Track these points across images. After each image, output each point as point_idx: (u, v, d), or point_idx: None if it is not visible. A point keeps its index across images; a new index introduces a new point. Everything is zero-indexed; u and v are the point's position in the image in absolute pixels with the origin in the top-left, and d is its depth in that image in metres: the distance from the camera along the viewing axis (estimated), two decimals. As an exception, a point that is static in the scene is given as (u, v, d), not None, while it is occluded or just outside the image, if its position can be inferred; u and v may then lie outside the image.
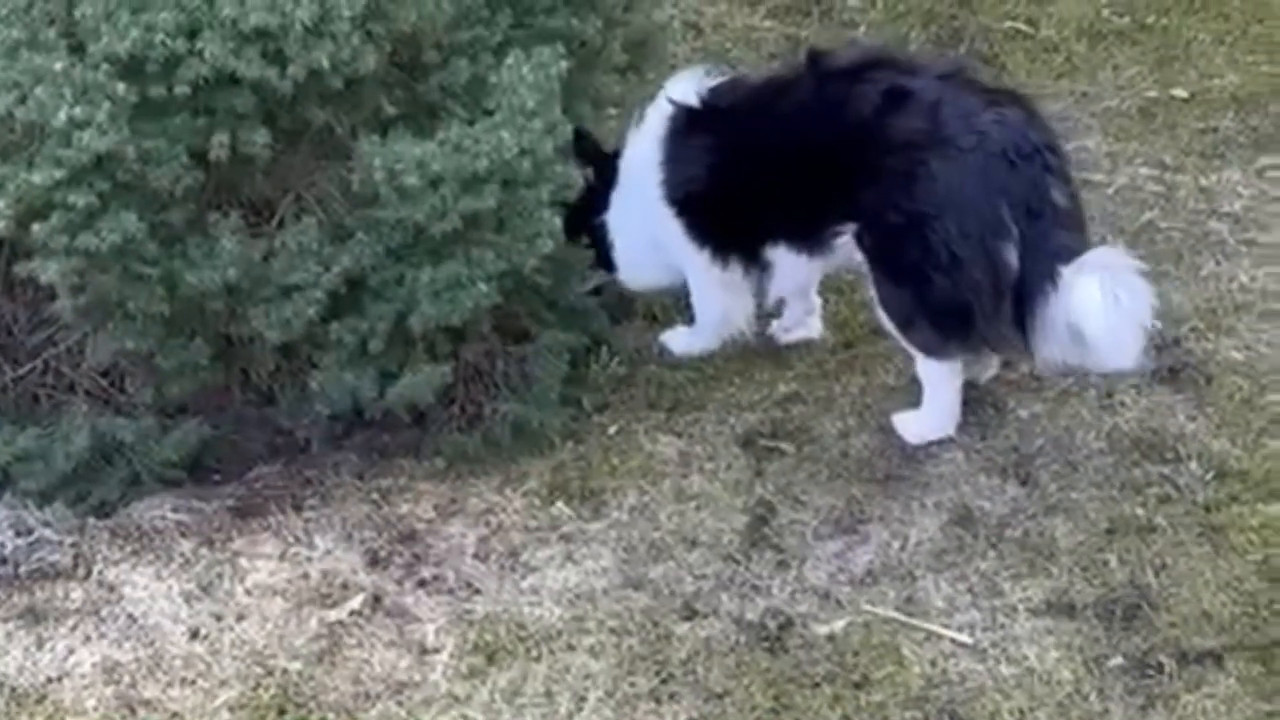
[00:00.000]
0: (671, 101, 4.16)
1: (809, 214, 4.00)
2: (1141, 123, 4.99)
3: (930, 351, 4.01)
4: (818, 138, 3.90)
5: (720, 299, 4.30)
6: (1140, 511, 3.96)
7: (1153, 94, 5.08)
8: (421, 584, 3.92)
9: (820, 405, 4.29)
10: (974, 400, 4.24)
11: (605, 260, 4.35)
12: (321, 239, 3.82)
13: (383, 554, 3.97)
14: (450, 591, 3.89)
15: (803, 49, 4.99)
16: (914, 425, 4.10)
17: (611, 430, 4.26)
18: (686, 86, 4.17)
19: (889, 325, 4.02)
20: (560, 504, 4.08)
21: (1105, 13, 5.34)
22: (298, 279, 3.79)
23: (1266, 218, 4.70)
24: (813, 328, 4.43)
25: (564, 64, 3.82)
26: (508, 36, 3.96)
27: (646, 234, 4.26)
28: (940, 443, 4.16)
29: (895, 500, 4.04)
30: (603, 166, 4.25)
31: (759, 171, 4.00)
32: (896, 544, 3.95)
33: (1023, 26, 5.31)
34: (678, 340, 4.45)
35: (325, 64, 3.54)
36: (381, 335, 3.88)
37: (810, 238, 4.04)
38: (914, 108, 3.83)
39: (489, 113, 3.77)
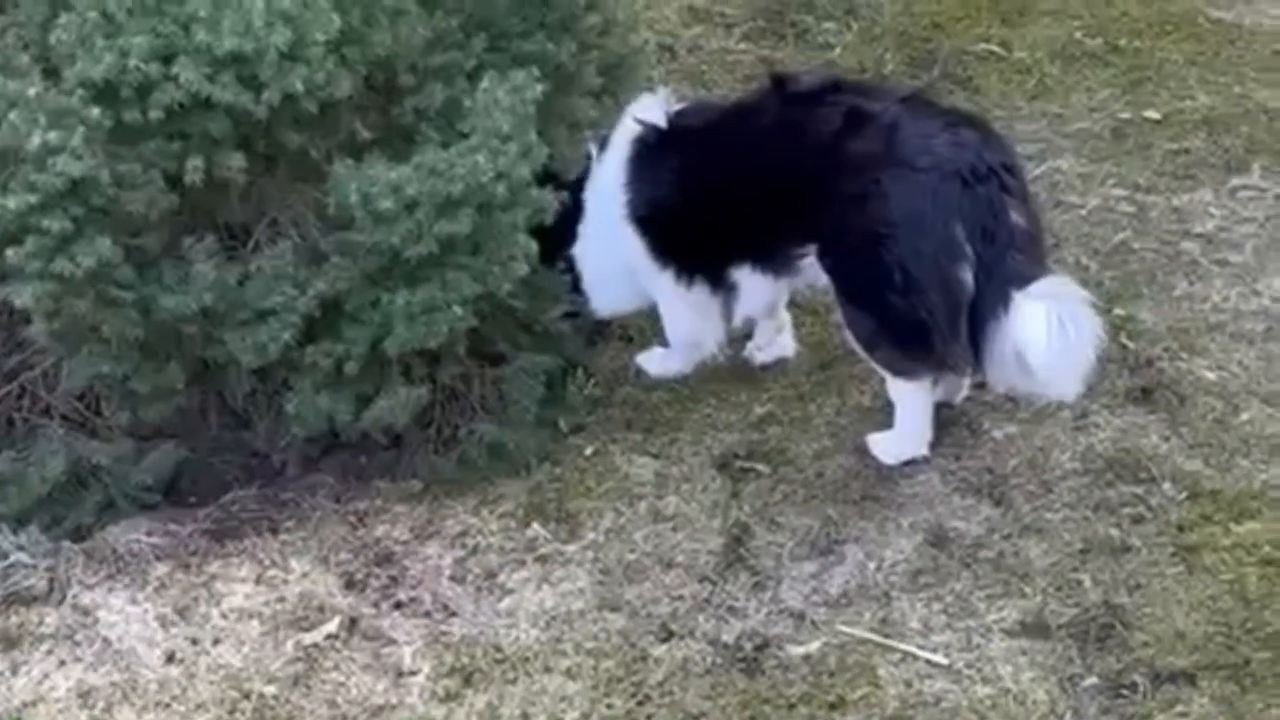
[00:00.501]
0: (639, 121, 4.20)
1: (772, 235, 4.03)
2: (1114, 144, 5.01)
3: (896, 371, 4.04)
4: (780, 159, 3.95)
5: (689, 320, 4.32)
6: (1114, 532, 3.98)
7: (1125, 115, 5.10)
8: (398, 606, 3.92)
9: (796, 426, 4.30)
10: (948, 421, 4.26)
11: (577, 288, 4.38)
12: (297, 263, 3.82)
13: (359, 576, 3.97)
14: (427, 614, 3.89)
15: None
16: (887, 445, 4.14)
17: (588, 451, 4.27)
18: (652, 109, 4.21)
19: (855, 345, 4.07)
20: (537, 525, 4.08)
21: (1078, 35, 5.36)
22: (273, 303, 3.79)
23: (1238, 238, 4.72)
24: (786, 346, 4.45)
25: (539, 88, 3.83)
26: (482, 61, 3.97)
27: (614, 260, 4.27)
28: (915, 463, 4.17)
29: (870, 521, 4.05)
30: (568, 196, 4.21)
31: (724, 193, 4.04)
32: (872, 565, 3.96)
33: (996, 49, 5.33)
34: (653, 362, 4.46)
35: (300, 89, 3.55)
36: (357, 358, 3.88)
37: (775, 258, 4.08)
38: (871, 130, 3.87)
39: (464, 136, 3.78)
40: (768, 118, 4.04)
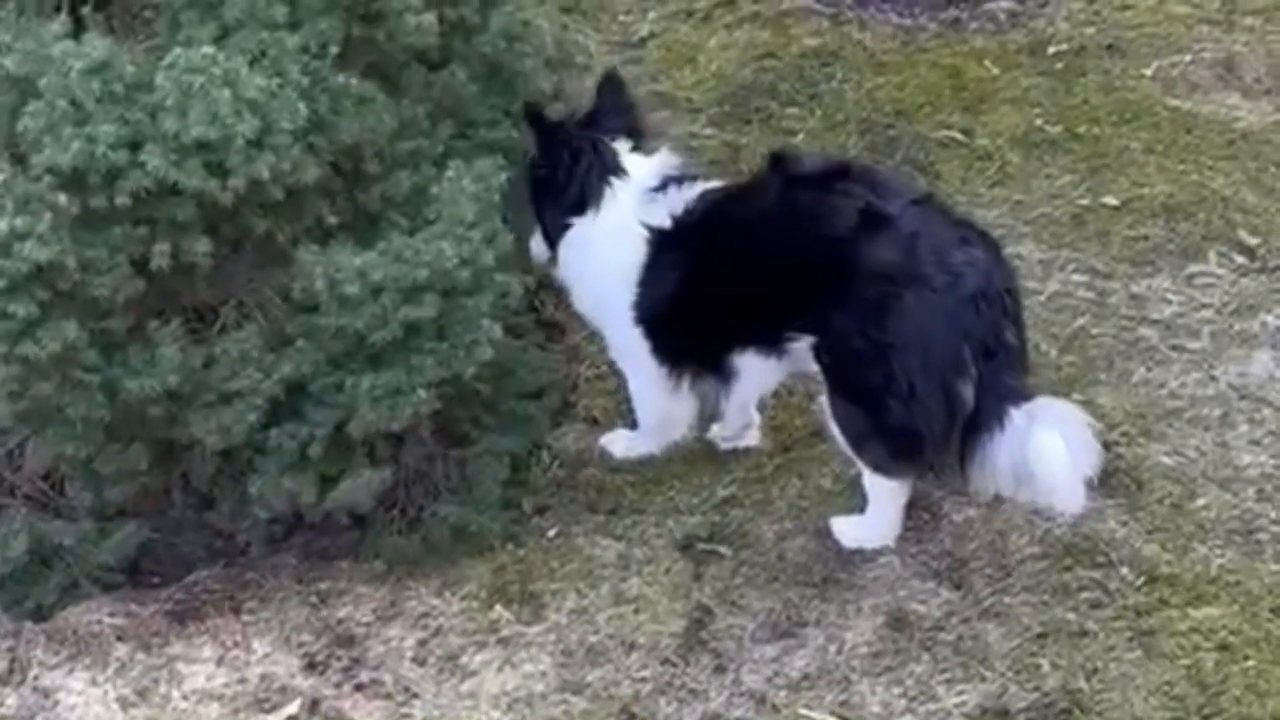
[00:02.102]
0: (646, 226, 4.14)
1: (774, 321, 4.04)
2: (1074, 230, 5.08)
3: (880, 470, 4.10)
4: (787, 248, 3.95)
5: (662, 405, 4.35)
6: (1072, 616, 4.01)
7: (1085, 202, 5.17)
8: (359, 688, 3.92)
9: (758, 509, 4.33)
10: (908, 505, 4.29)
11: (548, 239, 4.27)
12: (262, 346, 3.85)
13: (321, 658, 3.97)
14: (388, 696, 3.90)
15: (745, 156, 5.16)
16: (853, 531, 4.18)
17: (551, 533, 4.29)
18: (659, 210, 4.14)
19: (841, 441, 4.08)
20: (499, 607, 4.10)
21: (1039, 122, 5.44)
22: (238, 385, 3.81)
23: (1195, 324, 4.78)
24: (751, 438, 4.48)
25: (504, 175, 3.88)
26: (449, 148, 4.02)
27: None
28: (876, 547, 4.20)
29: (831, 604, 4.07)
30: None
31: (729, 282, 4.03)
32: (833, 648, 3.98)
33: (958, 135, 5.40)
34: (618, 444, 4.49)
35: (266, 175, 3.59)
36: (321, 441, 3.91)
37: (778, 344, 4.09)
38: (891, 237, 3.91)
39: (430, 223, 3.82)
40: (772, 202, 4.04)
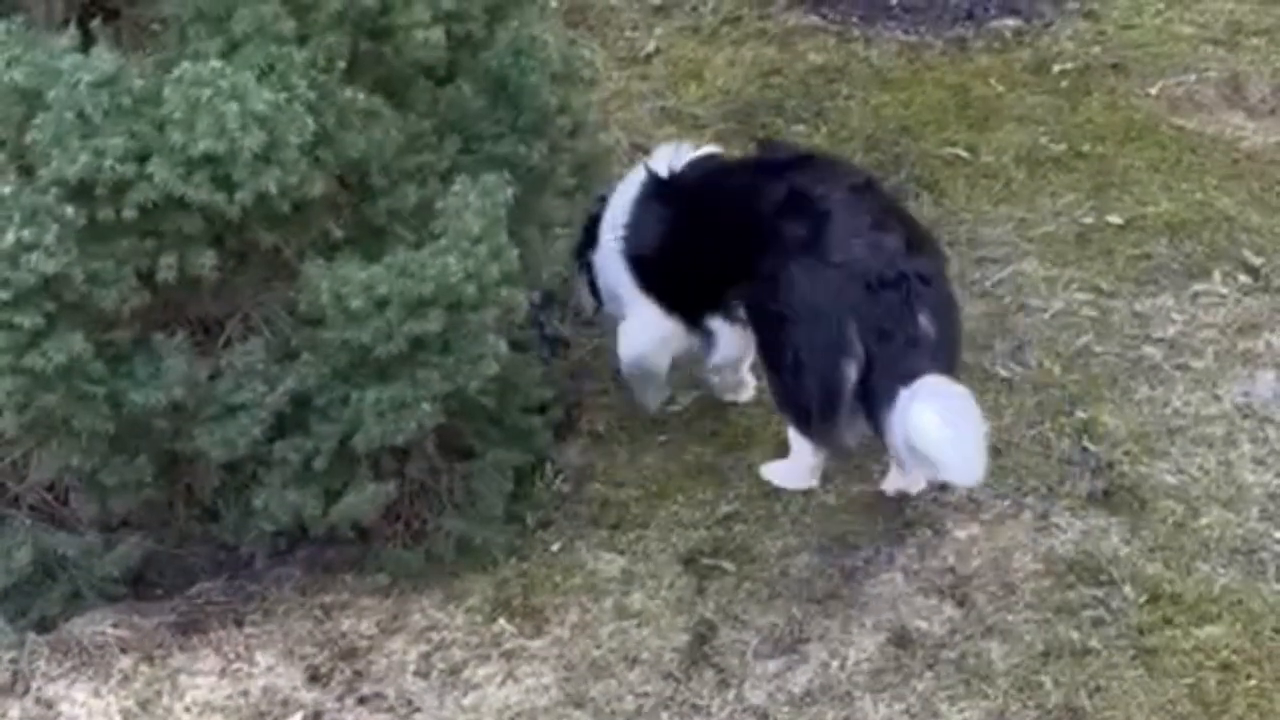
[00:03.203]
0: (646, 167, 4.47)
1: (722, 284, 4.31)
2: (1078, 248, 5.09)
3: (793, 425, 4.33)
4: (732, 221, 4.24)
5: (643, 344, 4.49)
6: (1075, 634, 4.01)
7: (1089, 220, 5.18)
8: (362, 701, 3.92)
9: (761, 524, 4.34)
10: (912, 521, 4.30)
11: (594, 290, 4.64)
12: (268, 359, 3.86)
13: (323, 670, 3.98)
14: (390, 709, 3.90)
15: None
16: (777, 473, 4.40)
17: (554, 547, 4.29)
18: (665, 159, 4.48)
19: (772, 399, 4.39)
20: (502, 621, 4.10)
21: (1043, 140, 5.45)
22: (243, 398, 3.82)
23: (1199, 343, 4.79)
24: (745, 395, 4.64)
25: (510, 190, 3.89)
26: (455, 163, 4.03)
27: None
28: (879, 563, 4.21)
29: (834, 620, 4.08)
30: (598, 207, 4.54)
31: (694, 240, 4.33)
32: (835, 664, 3.98)
33: (962, 153, 5.42)
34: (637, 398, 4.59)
35: (273, 189, 3.59)
36: (326, 454, 3.91)
37: (729, 307, 4.34)
38: (805, 216, 4.15)
39: (435, 237, 3.83)
40: (738, 180, 4.37)
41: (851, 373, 4.05)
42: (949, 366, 4.12)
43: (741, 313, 4.29)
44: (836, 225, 4.10)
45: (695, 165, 4.46)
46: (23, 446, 3.93)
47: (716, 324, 4.38)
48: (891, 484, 4.36)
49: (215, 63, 3.59)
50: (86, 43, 3.69)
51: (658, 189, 4.43)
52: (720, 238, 4.23)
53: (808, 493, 4.40)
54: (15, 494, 4.05)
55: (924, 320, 4.06)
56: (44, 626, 3.98)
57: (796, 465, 4.36)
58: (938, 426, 3.94)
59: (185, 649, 3.98)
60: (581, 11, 5.98)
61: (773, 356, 4.23)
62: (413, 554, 4.18)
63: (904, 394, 3.99)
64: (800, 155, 4.55)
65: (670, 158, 4.48)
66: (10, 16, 3.66)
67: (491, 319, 3.88)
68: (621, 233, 4.45)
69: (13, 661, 3.89)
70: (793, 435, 4.34)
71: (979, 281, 5.00)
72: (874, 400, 4.05)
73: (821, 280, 4.06)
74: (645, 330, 4.48)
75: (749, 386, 4.63)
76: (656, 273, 4.42)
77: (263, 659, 3.98)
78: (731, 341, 4.40)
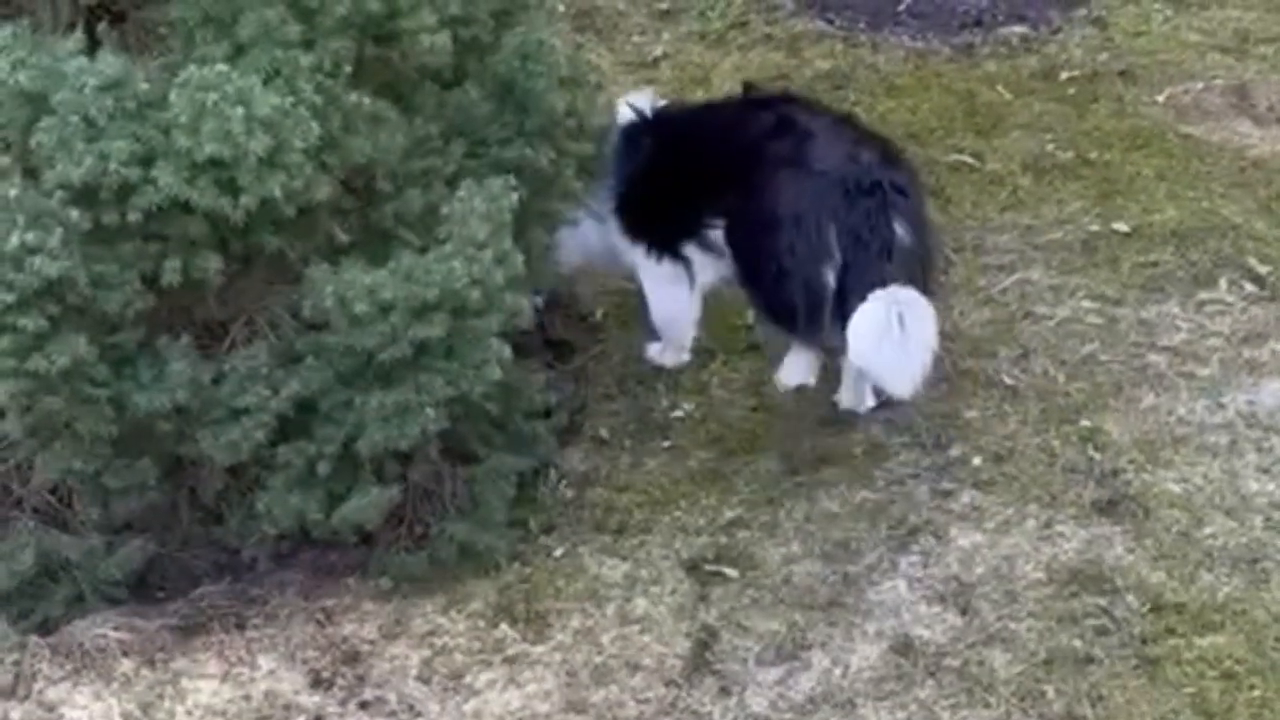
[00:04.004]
0: (631, 107, 4.63)
1: (699, 208, 4.48)
2: (1084, 256, 5.08)
3: (781, 332, 4.52)
4: (716, 148, 4.44)
5: (665, 296, 4.62)
6: (1078, 643, 4.01)
7: (1095, 228, 5.17)
8: (364, 706, 3.93)
9: (764, 531, 4.33)
10: (915, 528, 4.30)
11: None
12: (271, 363, 3.86)
13: (325, 675, 3.98)
14: (392, 714, 3.90)
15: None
16: (784, 374, 4.56)
17: (557, 552, 4.29)
18: (642, 102, 4.65)
19: (752, 309, 4.60)
20: (505, 626, 4.10)
21: (1050, 147, 5.44)
22: (247, 402, 3.82)
23: (1204, 351, 4.78)
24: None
25: (515, 195, 3.89)
26: (461, 167, 4.03)
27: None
28: (882, 570, 4.21)
29: (836, 627, 4.07)
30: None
31: (673, 171, 4.50)
32: (838, 671, 3.98)
33: (969, 160, 5.41)
34: (654, 352, 4.71)
35: (278, 193, 3.60)
36: (329, 458, 3.91)
37: (702, 231, 4.52)
38: (790, 136, 4.40)
39: (441, 242, 3.83)
40: (721, 115, 4.62)
41: (830, 278, 4.25)
42: (923, 275, 4.29)
43: (712, 234, 4.46)
44: (819, 142, 4.35)
45: (672, 106, 4.73)
46: (26, 449, 3.94)
47: (691, 251, 4.55)
48: (843, 400, 4.54)
49: (221, 67, 3.60)
50: (92, 46, 3.70)
51: (642, 127, 4.58)
52: (701, 165, 4.41)
53: (810, 500, 4.40)
54: (19, 496, 4.05)
55: (899, 228, 4.23)
56: (46, 629, 3.99)
57: (798, 359, 4.56)
58: (881, 321, 4.11)
59: (187, 652, 3.98)
60: (589, 16, 5.98)
61: (755, 269, 4.39)
62: (415, 558, 4.18)
63: (872, 296, 4.16)
64: (786, 94, 4.86)
65: (644, 102, 4.64)
66: (16, 20, 3.67)
67: (496, 324, 3.88)
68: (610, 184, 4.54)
69: (14, 664, 3.90)
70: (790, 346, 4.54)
71: (984, 288, 4.99)
72: (846, 305, 4.21)
73: (803, 187, 4.26)
74: (660, 282, 4.58)
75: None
76: (643, 207, 4.56)
77: (265, 663, 3.98)
78: (706, 266, 4.57)
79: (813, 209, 4.23)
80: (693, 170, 4.46)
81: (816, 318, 4.28)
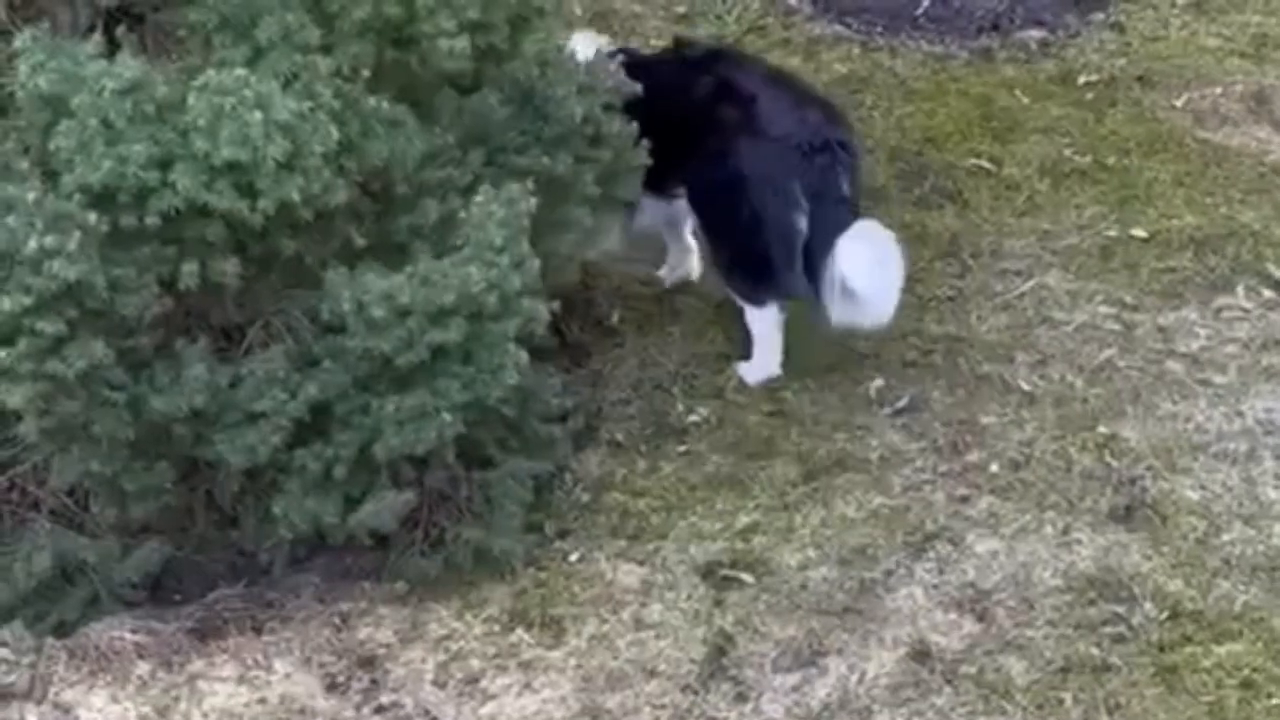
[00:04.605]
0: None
1: (659, 172, 4.64)
2: (1101, 261, 5.07)
3: (748, 298, 4.75)
4: (666, 112, 4.59)
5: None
6: (1095, 651, 4.00)
7: (1113, 233, 5.16)
8: (379, 710, 3.92)
9: (780, 536, 4.32)
10: (932, 535, 4.29)
11: None
12: (288, 367, 3.86)
13: (341, 679, 3.98)
14: (407, 718, 3.90)
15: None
16: (751, 369, 4.75)
17: (573, 557, 4.29)
18: (588, 44, 4.75)
19: (718, 278, 4.82)
20: (520, 631, 4.10)
21: (1067, 152, 5.43)
22: (264, 406, 3.82)
23: (1222, 358, 4.77)
24: (692, 268, 5.02)
25: (533, 200, 3.89)
26: (479, 173, 4.03)
27: None
28: (899, 577, 4.20)
29: (853, 634, 4.06)
30: None
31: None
32: (854, 678, 3.97)
33: (986, 164, 5.40)
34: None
35: (296, 197, 3.60)
36: (346, 462, 3.92)
37: (661, 191, 4.79)
38: (735, 101, 4.69)
39: (458, 247, 3.83)
40: (662, 76, 4.74)
41: (803, 225, 4.60)
42: (856, 215, 4.68)
43: (674, 193, 4.74)
44: (765, 106, 4.68)
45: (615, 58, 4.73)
46: (43, 451, 3.94)
47: (646, 200, 4.80)
48: (747, 371, 4.72)
49: (240, 71, 3.60)
50: (111, 49, 3.70)
51: None
52: (652, 125, 4.51)
53: (826, 505, 4.39)
54: (36, 498, 4.06)
55: (844, 181, 4.66)
56: (62, 631, 3.99)
57: (767, 347, 4.76)
58: (864, 257, 4.50)
59: (203, 655, 3.98)
60: (605, 19, 5.97)
61: (727, 225, 4.67)
62: (431, 562, 4.17)
63: (841, 241, 4.53)
64: (715, 50, 5.10)
65: (586, 46, 4.71)
66: (36, 23, 3.68)
67: (513, 329, 3.88)
68: None
69: (31, 666, 3.90)
70: (754, 316, 4.75)
71: (1001, 294, 4.98)
72: (813, 251, 4.57)
73: (767, 150, 4.62)
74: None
75: (694, 256, 4.97)
76: None
77: (280, 666, 3.98)
78: (654, 211, 4.85)
79: (780, 169, 4.61)
80: (647, 132, 4.56)
81: (791, 263, 4.61)
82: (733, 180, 4.63)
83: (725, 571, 4.23)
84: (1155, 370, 4.73)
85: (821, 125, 4.69)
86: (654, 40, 5.97)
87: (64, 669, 3.92)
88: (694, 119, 4.66)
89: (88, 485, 4.03)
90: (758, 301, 4.73)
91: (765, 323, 4.73)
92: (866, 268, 4.50)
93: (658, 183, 4.70)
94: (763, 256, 4.64)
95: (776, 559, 4.26)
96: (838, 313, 4.57)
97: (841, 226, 4.55)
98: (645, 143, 4.45)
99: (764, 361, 4.74)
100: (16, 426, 3.86)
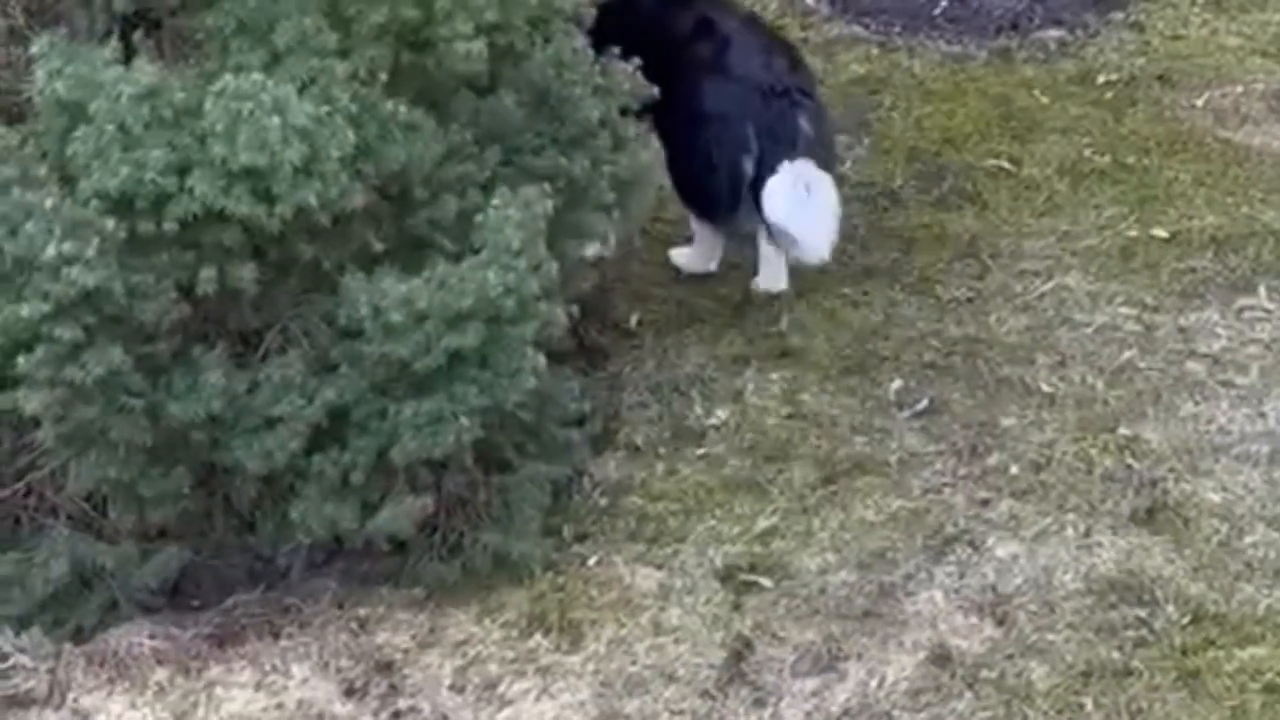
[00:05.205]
0: None
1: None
2: (1122, 262, 5.04)
3: (698, 215, 5.05)
4: (647, 47, 4.66)
5: None
6: (1117, 655, 3.97)
7: (1133, 233, 5.13)
8: (397, 715, 3.92)
9: (799, 540, 4.31)
10: (952, 538, 4.27)
11: None
12: (306, 372, 3.86)
13: (359, 684, 3.97)
14: (425, 723, 3.90)
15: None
16: (685, 258, 5.08)
17: (591, 561, 4.27)
18: None
19: (673, 191, 5.03)
20: (538, 636, 4.08)
21: (1087, 152, 5.40)
22: (281, 411, 3.82)
23: (1244, 359, 4.74)
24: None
25: (550, 203, 3.88)
26: (496, 174, 4.02)
27: None
28: (919, 580, 4.18)
29: (872, 638, 4.05)
30: None
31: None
32: (874, 683, 3.95)
33: (1005, 165, 5.38)
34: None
35: (313, 202, 3.60)
36: (363, 467, 3.91)
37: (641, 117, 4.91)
38: (710, 40, 4.97)
39: (475, 250, 3.82)
40: (643, 11, 4.97)
41: (749, 167, 4.85)
42: (825, 160, 4.93)
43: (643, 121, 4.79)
44: (735, 48, 4.96)
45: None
46: (61, 457, 3.94)
47: None
48: (760, 282, 4.98)
49: (257, 75, 3.60)
50: (128, 55, 3.70)
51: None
52: (641, 51, 4.62)
53: (845, 509, 4.37)
54: (53, 504, 4.05)
55: (803, 123, 4.89)
56: (80, 637, 3.99)
57: (703, 246, 5.06)
58: (791, 192, 4.77)
59: (221, 661, 3.97)
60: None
61: (684, 157, 4.93)
62: (449, 567, 4.16)
63: (768, 180, 4.80)
64: None
65: None
66: (53, 29, 3.67)
67: (530, 333, 3.87)
68: None
69: (49, 672, 3.90)
70: (696, 224, 5.05)
71: (1021, 295, 4.96)
72: (760, 187, 4.82)
73: (727, 91, 4.89)
74: None
75: None
76: None
77: (298, 671, 3.97)
78: None
79: (736, 109, 4.87)
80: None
81: (735, 202, 4.89)
82: (693, 116, 4.90)
83: (744, 575, 4.22)
84: (1176, 371, 4.71)
85: (784, 72, 4.98)
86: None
87: (82, 675, 3.92)
88: (669, 51, 4.88)
89: (105, 491, 4.02)
90: (704, 220, 5.06)
91: (707, 231, 5.07)
92: (787, 208, 4.79)
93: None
94: (711, 192, 4.95)
95: (795, 562, 4.24)
96: (783, 246, 4.89)
97: (784, 164, 4.84)
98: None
99: (700, 255, 5.07)
100: (34, 432, 3.86)
